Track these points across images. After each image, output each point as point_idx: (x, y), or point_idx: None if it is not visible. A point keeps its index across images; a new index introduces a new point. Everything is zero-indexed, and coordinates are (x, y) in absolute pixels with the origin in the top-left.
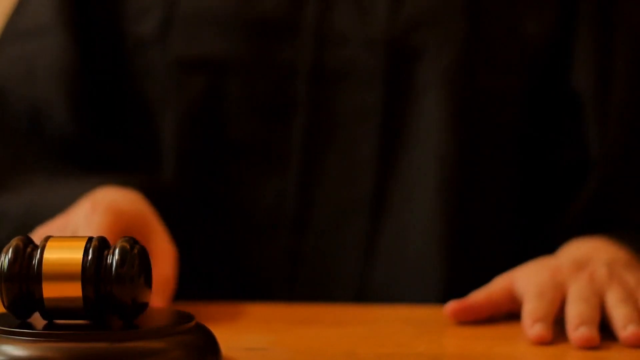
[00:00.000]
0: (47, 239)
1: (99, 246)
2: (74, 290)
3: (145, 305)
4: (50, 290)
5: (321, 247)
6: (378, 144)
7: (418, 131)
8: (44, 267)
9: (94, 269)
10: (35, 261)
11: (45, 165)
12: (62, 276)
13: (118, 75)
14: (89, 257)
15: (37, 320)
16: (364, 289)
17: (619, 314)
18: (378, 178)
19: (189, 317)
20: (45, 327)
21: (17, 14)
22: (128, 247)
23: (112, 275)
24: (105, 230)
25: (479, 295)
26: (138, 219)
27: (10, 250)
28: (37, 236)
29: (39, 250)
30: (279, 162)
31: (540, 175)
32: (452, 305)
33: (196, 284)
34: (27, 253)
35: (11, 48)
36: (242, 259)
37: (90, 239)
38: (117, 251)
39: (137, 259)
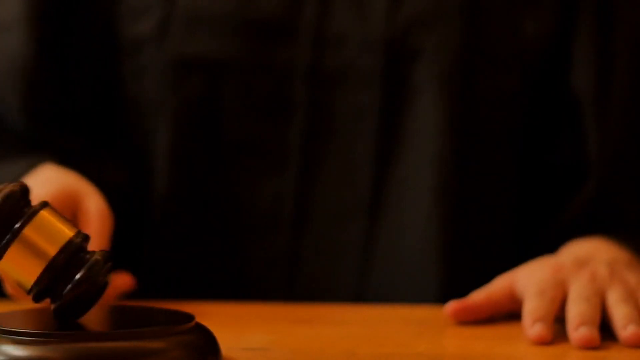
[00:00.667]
0: (44, 205)
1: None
2: (36, 264)
3: (83, 311)
4: (18, 249)
5: (319, 247)
6: (375, 145)
7: (415, 132)
8: (29, 227)
9: (63, 261)
10: (25, 215)
11: None
12: (36, 246)
13: (110, 75)
14: (66, 247)
15: (37, 320)
16: (362, 290)
17: (619, 313)
18: (376, 179)
19: (189, 317)
20: (45, 327)
21: None
22: (99, 263)
23: (68, 287)
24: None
25: (479, 295)
26: (70, 188)
27: (6, 190)
28: None
29: (30, 213)
30: (277, 163)
31: (538, 176)
32: (452, 305)
33: (195, 284)
34: (19, 204)
35: None
36: (241, 259)
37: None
38: (90, 260)
39: (98, 292)
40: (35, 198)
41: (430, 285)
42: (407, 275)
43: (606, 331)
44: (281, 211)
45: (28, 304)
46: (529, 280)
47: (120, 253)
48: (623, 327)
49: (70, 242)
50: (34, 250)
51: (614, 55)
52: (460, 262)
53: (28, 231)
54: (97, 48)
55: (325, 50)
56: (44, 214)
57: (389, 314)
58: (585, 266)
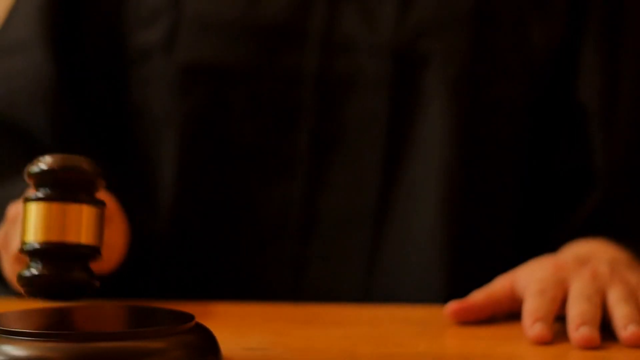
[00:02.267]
0: (104, 204)
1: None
2: (49, 234)
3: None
4: (50, 210)
5: (326, 253)
6: (383, 151)
7: (423, 139)
8: (76, 205)
9: (62, 254)
10: (84, 194)
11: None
12: (62, 222)
13: (116, 86)
14: (77, 249)
15: (37, 320)
16: (367, 295)
17: (619, 313)
18: (383, 186)
19: (189, 317)
20: (45, 327)
21: (3, 30)
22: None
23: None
24: None
25: (480, 295)
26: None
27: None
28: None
29: (95, 199)
30: (285, 169)
31: (543, 185)
32: (452, 306)
33: (202, 289)
34: (93, 181)
35: None
36: (248, 265)
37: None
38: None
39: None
40: None
41: (435, 291)
42: (412, 282)
43: (606, 331)
44: (289, 217)
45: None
46: (529, 279)
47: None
48: (623, 327)
49: (92, 248)
50: (65, 223)
51: (621, 64)
52: (466, 270)
53: (79, 207)
54: (105, 58)
55: (333, 56)
56: (100, 210)
57: (389, 314)
58: (586, 265)
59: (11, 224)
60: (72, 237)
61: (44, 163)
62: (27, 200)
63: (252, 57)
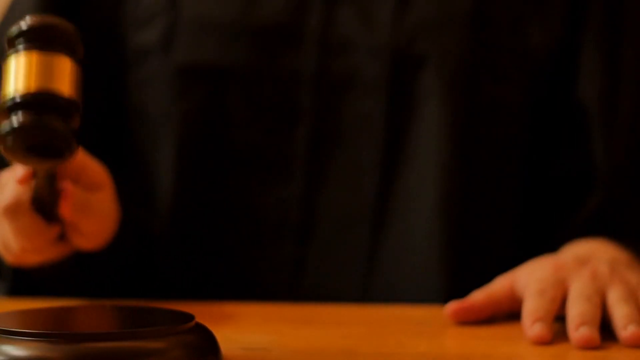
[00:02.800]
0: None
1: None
2: (32, 83)
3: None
4: (34, 59)
5: (325, 254)
6: (381, 152)
7: (420, 139)
8: (60, 54)
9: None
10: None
11: None
12: (48, 71)
13: (113, 86)
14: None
15: (37, 320)
16: (366, 297)
17: (619, 313)
18: (381, 186)
19: (189, 317)
20: (45, 327)
21: (2, 26)
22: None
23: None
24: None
25: (480, 295)
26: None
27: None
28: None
29: (78, 49)
30: (283, 170)
31: (543, 185)
32: (452, 306)
33: (200, 291)
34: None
35: None
36: (247, 266)
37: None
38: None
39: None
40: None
41: (435, 292)
42: (411, 282)
43: (606, 331)
44: (287, 218)
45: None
46: (529, 279)
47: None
48: (623, 327)
49: (72, 101)
50: (45, 72)
51: (621, 65)
52: (465, 270)
53: (59, 58)
54: (103, 58)
55: (330, 57)
56: (79, 67)
57: (389, 314)
58: (586, 264)
59: None
60: (52, 86)
61: (24, 23)
62: (7, 55)
63: (250, 58)
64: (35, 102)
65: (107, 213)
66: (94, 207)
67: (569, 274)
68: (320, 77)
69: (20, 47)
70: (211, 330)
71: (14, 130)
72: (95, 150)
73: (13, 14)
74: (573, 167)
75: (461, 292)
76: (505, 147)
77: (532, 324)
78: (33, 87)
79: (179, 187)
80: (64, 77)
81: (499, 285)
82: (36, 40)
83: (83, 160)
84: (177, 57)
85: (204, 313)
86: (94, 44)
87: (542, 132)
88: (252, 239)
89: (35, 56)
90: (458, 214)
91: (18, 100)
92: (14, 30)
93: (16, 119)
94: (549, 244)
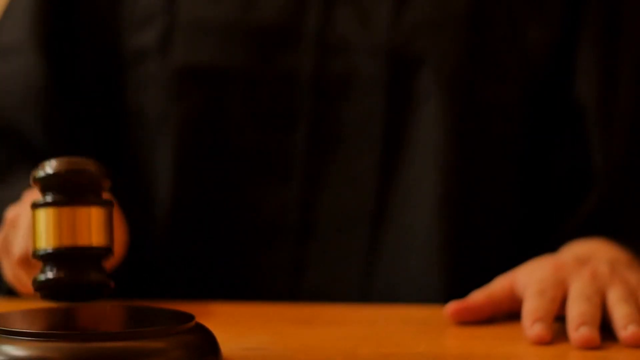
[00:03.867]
0: (112, 204)
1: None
2: (60, 239)
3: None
4: (60, 215)
5: (324, 255)
6: (380, 153)
7: (419, 140)
8: (85, 208)
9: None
10: (92, 196)
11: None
12: (73, 224)
13: (111, 89)
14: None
15: (37, 320)
16: (365, 298)
17: (619, 313)
18: (380, 187)
19: (189, 317)
20: (45, 327)
21: (1, 24)
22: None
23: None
24: None
25: (480, 295)
26: None
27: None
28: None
29: (105, 200)
30: (282, 171)
31: (541, 185)
32: (452, 306)
33: (200, 293)
34: (99, 182)
35: None
36: (246, 267)
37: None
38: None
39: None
40: None
41: (434, 292)
42: (411, 283)
43: (606, 331)
44: (286, 219)
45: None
46: (529, 279)
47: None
48: (623, 327)
49: (104, 248)
50: (76, 227)
51: (618, 64)
52: (465, 270)
53: (89, 210)
54: (100, 60)
55: (329, 57)
56: (108, 210)
57: (389, 314)
58: (586, 264)
59: (10, 228)
60: (84, 240)
61: (49, 167)
62: (35, 206)
63: (248, 59)
64: (69, 255)
65: (119, 240)
66: None
67: (569, 274)
68: (319, 78)
69: (49, 198)
70: (211, 330)
71: (50, 282)
72: (93, 152)
73: (9, 18)
74: (571, 167)
75: (461, 292)
76: (504, 147)
77: (532, 324)
78: (66, 241)
79: (178, 188)
80: (95, 227)
81: (499, 285)
82: (64, 191)
83: None
84: (175, 59)
85: (204, 313)
86: (92, 46)
87: (541, 132)
88: (251, 240)
89: (65, 211)
90: (457, 214)
91: (51, 252)
92: (40, 174)
93: (51, 272)
94: (549, 244)
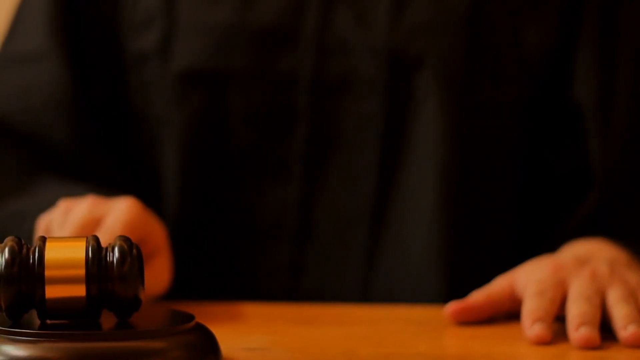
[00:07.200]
0: (43, 239)
1: (97, 246)
2: (78, 290)
3: (141, 302)
4: (53, 291)
5: (323, 256)
6: (379, 153)
7: (418, 140)
8: (47, 268)
9: (96, 269)
10: (35, 261)
11: (46, 180)
12: (65, 277)
13: (116, 92)
14: (90, 256)
15: (36, 320)
16: (365, 298)
17: (619, 313)
18: (379, 187)
19: (189, 317)
20: (45, 327)
21: (11, 37)
22: (126, 246)
23: (114, 273)
24: (125, 229)
25: (479, 296)
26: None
27: (7, 251)
28: (40, 232)
29: (37, 251)
30: (281, 172)
31: (540, 185)
32: (452, 306)
33: (199, 293)
34: (23, 254)
35: (8, 73)
36: (245, 268)
37: (88, 239)
38: (116, 250)
39: (137, 257)
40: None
41: (434, 293)
42: (410, 283)
43: (606, 331)
44: (285, 220)
45: None
46: (528, 279)
47: None
48: (623, 327)
49: (89, 244)
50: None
51: (617, 65)
52: (464, 270)
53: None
54: (103, 63)
55: (327, 58)
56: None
57: (389, 314)
58: (586, 265)
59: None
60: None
61: None
62: None
63: (247, 61)
64: None
65: (159, 280)
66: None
67: (569, 274)
68: (318, 79)
69: None
70: (211, 330)
71: None
72: (99, 155)
73: (25, 24)
74: (571, 166)
75: (461, 292)
76: (503, 148)
77: (531, 324)
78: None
79: (184, 190)
80: None
81: (499, 286)
82: None
83: (150, 224)
84: (176, 63)
85: (204, 313)
86: (95, 49)
87: (540, 132)
88: (251, 241)
89: None
90: (457, 215)
91: None
92: None
93: None
94: (549, 244)
